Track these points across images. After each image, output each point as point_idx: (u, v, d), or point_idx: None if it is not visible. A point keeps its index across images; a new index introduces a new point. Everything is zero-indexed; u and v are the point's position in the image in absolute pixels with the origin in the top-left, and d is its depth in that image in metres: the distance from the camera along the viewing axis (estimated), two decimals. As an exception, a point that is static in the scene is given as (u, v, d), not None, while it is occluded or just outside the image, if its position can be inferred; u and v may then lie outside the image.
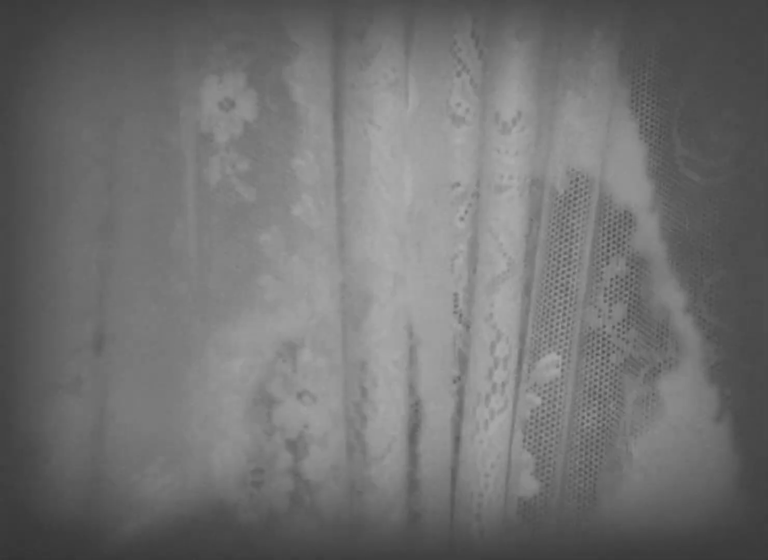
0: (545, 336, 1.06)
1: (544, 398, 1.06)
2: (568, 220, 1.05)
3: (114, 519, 1.00)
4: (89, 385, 1.00)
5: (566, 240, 1.05)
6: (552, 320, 1.05)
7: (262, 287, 0.99)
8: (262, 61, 0.98)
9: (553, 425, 1.07)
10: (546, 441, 1.07)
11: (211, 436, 0.99)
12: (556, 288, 1.05)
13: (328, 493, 1.00)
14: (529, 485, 1.07)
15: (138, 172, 0.99)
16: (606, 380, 1.08)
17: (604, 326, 1.07)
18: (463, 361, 1.08)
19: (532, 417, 1.07)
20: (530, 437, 1.07)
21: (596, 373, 1.07)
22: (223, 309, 0.99)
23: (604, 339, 1.07)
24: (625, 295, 1.07)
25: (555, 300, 1.05)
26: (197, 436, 0.99)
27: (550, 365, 1.05)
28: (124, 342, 1.00)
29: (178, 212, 0.99)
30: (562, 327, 1.05)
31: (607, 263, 1.06)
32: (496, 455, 1.06)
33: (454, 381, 1.09)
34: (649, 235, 1.07)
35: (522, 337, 1.07)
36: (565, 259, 1.05)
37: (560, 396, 1.06)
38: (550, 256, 1.05)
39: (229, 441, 0.99)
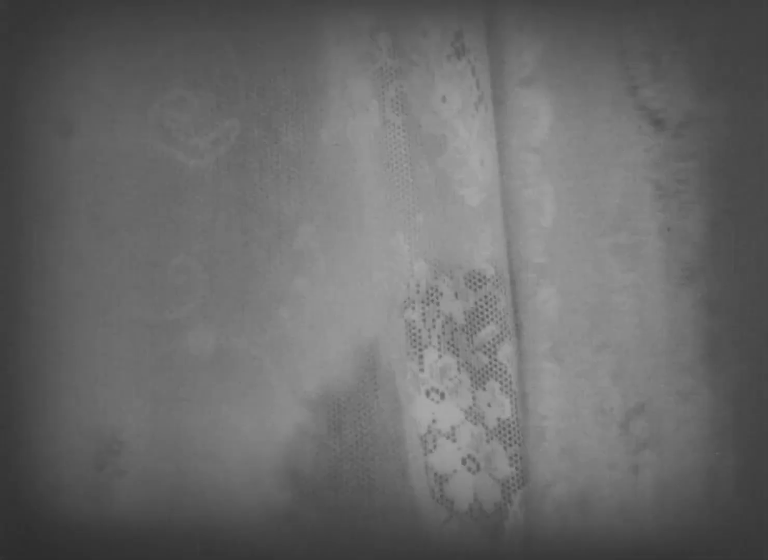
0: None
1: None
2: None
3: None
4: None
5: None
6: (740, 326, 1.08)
7: (387, 288, 1.05)
8: (382, 73, 1.03)
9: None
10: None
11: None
12: (738, 285, 1.07)
13: (458, 484, 1.05)
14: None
15: (258, 177, 1.04)
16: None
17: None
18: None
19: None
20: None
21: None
22: (350, 307, 1.05)
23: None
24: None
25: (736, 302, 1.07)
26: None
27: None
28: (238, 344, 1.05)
29: (299, 218, 1.04)
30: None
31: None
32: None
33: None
34: None
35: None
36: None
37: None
38: (736, 262, 1.07)
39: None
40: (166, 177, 1.03)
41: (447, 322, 1.05)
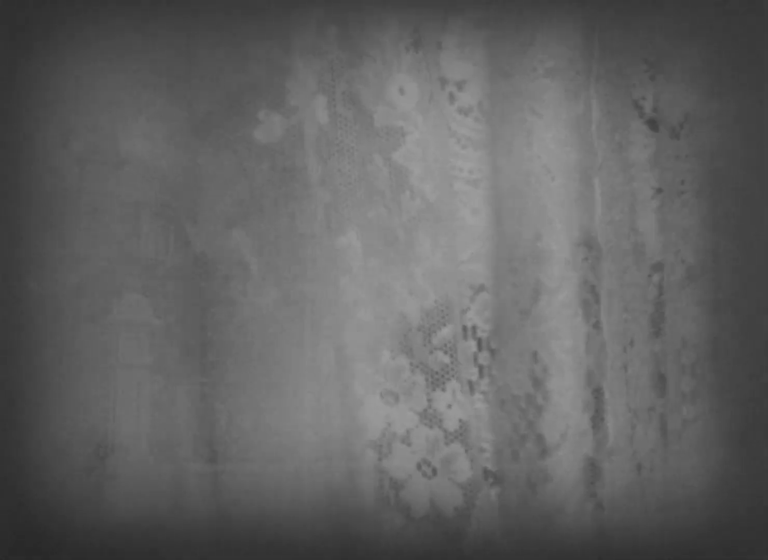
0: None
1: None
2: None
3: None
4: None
5: None
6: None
7: (340, 289, 1.00)
8: (332, 66, 1.00)
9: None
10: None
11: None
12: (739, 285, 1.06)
13: (414, 489, 1.01)
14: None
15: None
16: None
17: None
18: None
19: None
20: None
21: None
22: (302, 305, 1.01)
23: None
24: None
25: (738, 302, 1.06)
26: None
27: None
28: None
29: (245, 213, 1.00)
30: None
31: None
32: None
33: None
34: None
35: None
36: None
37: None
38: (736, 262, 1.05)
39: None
40: (153, 185, 0.98)
41: (400, 321, 1.02)
